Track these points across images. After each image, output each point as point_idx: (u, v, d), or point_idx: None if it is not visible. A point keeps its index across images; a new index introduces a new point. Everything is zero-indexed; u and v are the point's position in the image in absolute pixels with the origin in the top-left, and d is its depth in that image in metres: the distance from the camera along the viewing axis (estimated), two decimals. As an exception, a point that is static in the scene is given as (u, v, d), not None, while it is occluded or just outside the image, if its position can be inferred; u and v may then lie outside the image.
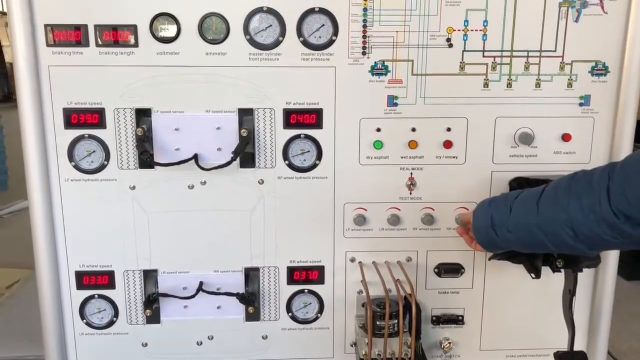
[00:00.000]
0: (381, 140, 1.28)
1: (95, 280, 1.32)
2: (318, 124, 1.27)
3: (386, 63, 1.24)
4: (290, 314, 1.37)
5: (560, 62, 1.26)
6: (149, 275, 1.33)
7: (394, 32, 1.23)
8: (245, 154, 1.26)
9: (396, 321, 1.26)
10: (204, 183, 1.28)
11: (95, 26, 1.20)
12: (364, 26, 1.22)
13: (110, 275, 1.32)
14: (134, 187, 1.28)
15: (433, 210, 1.32)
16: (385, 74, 1.25)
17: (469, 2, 1.22)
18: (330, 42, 1.23)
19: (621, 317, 2.70)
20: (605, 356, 1.43)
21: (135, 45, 1.21)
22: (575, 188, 1.02)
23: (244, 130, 1.23)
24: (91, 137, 1.25)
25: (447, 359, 1.41)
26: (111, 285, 1.33)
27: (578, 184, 1.02)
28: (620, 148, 1.29)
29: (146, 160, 1.25)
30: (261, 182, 1.29)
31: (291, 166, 1.29)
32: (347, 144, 1.29)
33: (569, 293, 1.26)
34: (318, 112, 1.26)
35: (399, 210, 1.32)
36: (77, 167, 1.26)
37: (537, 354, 1.41)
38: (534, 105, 1.28)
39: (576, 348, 1.27)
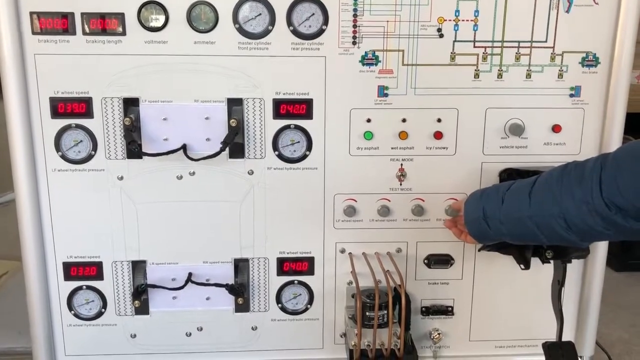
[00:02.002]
0: (371, 131, 1.28)
1: (83, 271, 1.31)
2: (308, 115, 1.26)
3: (377, 53, 1.24)
4: (280, 305, 1.37)
5: (551, 53, 1.26)
6: (138, 266, 1.32)
7: (384, 21, 1.22)
8: (235, 145, 1.25)
9: (386, 312, 1.26)
10: (192, 174, 1.27)
11: (82, 14, 1.18)
12: (355, 15, 1.21)
13: (98, 266, 1.31)
14: (121, 178, 1.27)
15: (423, 201, 1.32)
16: (376, 64, 1.24)
17: (460, -9, 1.22)
18: (320, 32, 1.22)
19: (610, 307, 2.72)
20: (594, 346, 1.44)
21: (123, 33, 1.19)
22: (567, 179, 1.02)
23: (233, 120, 1.22)
24: (78, 126, 1.24)
25: (436, 350, 1.42)
26: (99, 276, 1.32)
27: (570, 175, 1.02)
28: (610, 139, 1.29)
29: (134, 150, 1.24)
30: (251, 172, 1.28)
31: (281, 157, 1.28)
32: (337, 135, 1.28)
33: (558, 284, 1.26)
34: (308, 103, 1.26)
35: (389, 201, 1.32)
36: (64, 157, 1.25)
37: (526, 344, 1.42)
38: (525, 96, 1.28)
39: (565, 338, 1.28)
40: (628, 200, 0.93)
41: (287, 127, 1.27)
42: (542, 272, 1.30)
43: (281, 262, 1.34)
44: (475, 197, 1.17)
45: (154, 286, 1.32)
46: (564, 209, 1.00)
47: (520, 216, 1.07)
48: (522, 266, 1.27)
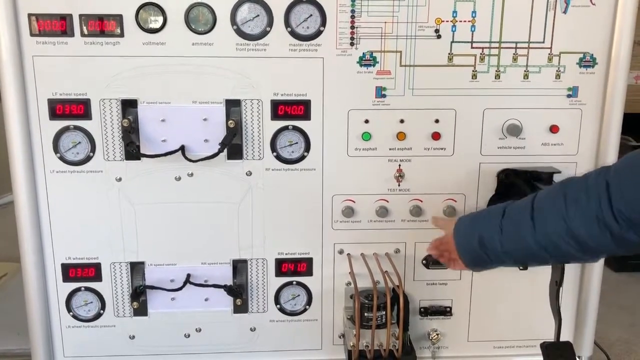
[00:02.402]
0: (369, 132, 1.28)
1: (82, 272, 1.31)
2: (306, 116, 1.26)
3: (374, 54, 1.24)
4: (278, 306, 1.37)
5: (549, 54, 1.26)
6: (136, 268, 1.32)
7: (382, 22, 1.22)
8: (233, 146, 1.26)
9: (384, 313, 1.26)
10: (191, 175, 1.27)
11: (81, 16, 1.18)
12: (352, 17, 1.22)
13: (96, 267, 1.32)
14: (120, 179, 1.27)
15: (421, 202, 1.32)
16: (374, 65, 1.24)
17: (458, -8, 1.22)
18: (318, 33, 1.22)
19: (610, 308, 2.72)
20: (592, 346, 1.44)
21: (121, 35, 1.19)
22: (571, 197, 0.97)
23: (231, 121, 1.23)
24: (77, 128, 1.24)
25: (435, 350, 1.42)
26: (98, 277, 1.32)
27: (573, 192, 0.97)
28: (608, 140, 1.30)
29: (132, 151, 1.24)
30: (249, 173, 1.29)
31: (279, 158, 1.28)
32: (335, 136, 1.28)
33: (556, 284, 1.26)
34: (306, 104, 1.26)
35: (387, 202, 1.32)
36: (62, 159, 1.25)
37: (525, 344, 1.42)
38: (522, 96, 1.28)
39: (563, 339, 1.28)
40: (636, 212, 0.89)
41: (285, 128, 1.27)
42: (540, 272, 1.30)
43: (280, 263, 1.34)
44: (465, 224, 1.11)
45: (152, 287, 1.32)
46: (572, 229, 0.95)
47: (526, 244, 1.01)
48: (520, 267, 1.27)
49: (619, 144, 1.30)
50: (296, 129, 1.27)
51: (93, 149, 1.25)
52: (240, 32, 1.21)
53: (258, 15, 1.20)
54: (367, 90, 1.26)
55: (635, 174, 0.91)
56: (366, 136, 1.28)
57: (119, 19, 1.18)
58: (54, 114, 1.23)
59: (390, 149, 1.29)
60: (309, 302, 1.37)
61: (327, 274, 1.36)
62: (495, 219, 1.05)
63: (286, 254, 1.34)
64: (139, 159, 1.25)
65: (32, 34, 1.18)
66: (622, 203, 0.91)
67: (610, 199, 0.92)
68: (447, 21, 1.23)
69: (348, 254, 1.35)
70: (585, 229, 0.94)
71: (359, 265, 1.33)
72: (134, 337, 1.37)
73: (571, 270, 1.36)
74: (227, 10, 1.20)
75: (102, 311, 1.35)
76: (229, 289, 1.32)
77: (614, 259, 3.01)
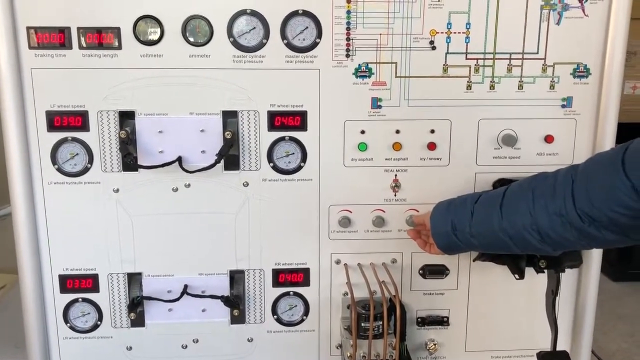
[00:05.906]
0: (365, 143, 1.29)
1: (79, 283, 1.32)
2: (302, 126, 1.27)
3: (370, 65, 1.25)
4: (275, 316, 1.37)
5: (543, 64, 1.27)
6: (133, 279, 1.32)
7: (377, 34, 1.24)
8: (230, 156, 1.26)
9: (381, 323, 1.26)
10: (188, 186, 1.28)
11: (79, 28, 1.19)
12: (348, 29, 1.23)
13: (94, 278, 1.32)
14: (117, 190, 1.27)
15: (417, 211, 1.33)
16: (369, 76, 1.25)
17: (452, 4, 1.23)
18: (314, 45, 1.23)
19: (609, 318, 2.72)
20: (589, 356, 1.43)
21: (119, 47, 1.20)
22: (538, 192, 1.02)
23: (228, 132, 1.23)
24: (74, 140, 1.25)
25: (432, 361, 1.42)
26: (95, 288, 1.32)
27: (541, 187, 1.03)
28: (602, 149, 1.30)
29: (130, 163, 1.24)
30: (246, 184, 1.29)
31: (276, 168, 1.29)
32: (331, 146, 1.29)
33: (552, 294, 1.26)
34: (302, 115, 1.27)
35: (384, 212, 1.33)
36: (60, 170, 1.26)
37: (522, 354, 1.42)
38: (517, 107, 1.29)
39: (560, 348, 1.28)
40: (600, 210, 0.93)
41: (282, 138, 1.27)
42: (537, 281, 1.31)
43: (277, 273, 1.35)
44: (442, 209, 1.17)
45: (149, 298, 1.32)
46: (537, 222, 1.01)
47: (492, 229, 1.07)
48: (517, 276, 1.27)
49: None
50: (293, 139, 1.28)
51: (91, 161, 1.26)
52: (237, 44, 1.22)
53: (255, 28, 1.21)
54: (363, 101, 1.27)
55: (599, 173, 0.95)
56: (362, 147, 1.29)
57: (116, 31, 1.20)
58: (52, 126, 1.23)
59: (386, 159, 1.30)
60: (306, 312, 1.37)
61: (324, 284, 1.36)
62: (470, 204, 1.12)
63: (283, 264, 1.34)
64: (136, 170, 1.26)
65: (30, 47, 1.19)
66: (584, 201, 0.96)
67: (573, 197, 0.97)
68: (442, 33, 1.24)
69: (345, 264, 1.35)
70: (549, 223, 1.00)
71: (356, 275, 1.33)
72: (131, 348, 1.36)
73: (568, 279, 1.36)
74: (224, 22, 1.21)
75: (99, 322, 1.35)
76: (226, 300, 1.32)
77: (612, 269, 3.01)
